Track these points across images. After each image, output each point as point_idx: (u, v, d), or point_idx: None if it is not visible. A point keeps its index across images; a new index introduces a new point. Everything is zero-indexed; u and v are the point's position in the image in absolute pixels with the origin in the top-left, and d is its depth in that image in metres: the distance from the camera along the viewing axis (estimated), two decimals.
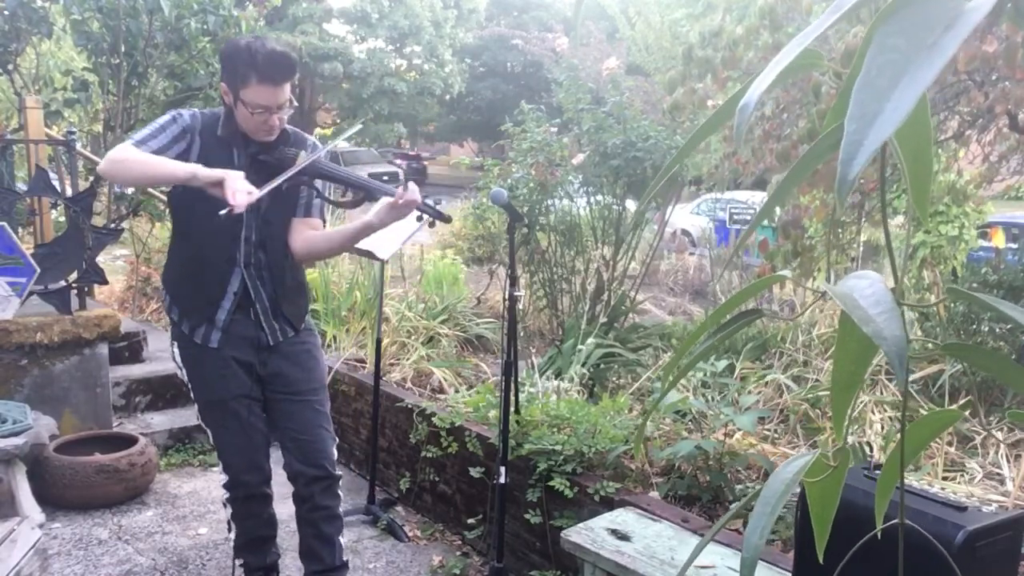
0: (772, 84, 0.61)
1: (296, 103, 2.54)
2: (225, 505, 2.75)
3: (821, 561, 0.87)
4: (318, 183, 2.57)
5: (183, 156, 2.43)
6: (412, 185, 2.44)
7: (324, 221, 2.72)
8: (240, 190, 2.20)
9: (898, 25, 0.52)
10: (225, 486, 2.71)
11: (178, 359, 2.63)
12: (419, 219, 2.62)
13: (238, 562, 2.81)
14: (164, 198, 5.75)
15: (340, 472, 2.77)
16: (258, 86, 2.35)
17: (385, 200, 2.46)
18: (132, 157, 2.31)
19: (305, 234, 2.60)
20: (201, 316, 2.55)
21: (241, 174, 2.27)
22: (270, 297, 2.58)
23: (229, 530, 2.79)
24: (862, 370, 0.73)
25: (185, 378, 2.64)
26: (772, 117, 3.43)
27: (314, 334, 2.79)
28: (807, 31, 0.61)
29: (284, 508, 2.86)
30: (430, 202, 2.57)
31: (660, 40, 8.06)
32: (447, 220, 2.63)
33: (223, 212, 2.17)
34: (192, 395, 2.66)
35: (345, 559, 2.80)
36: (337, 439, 2.79)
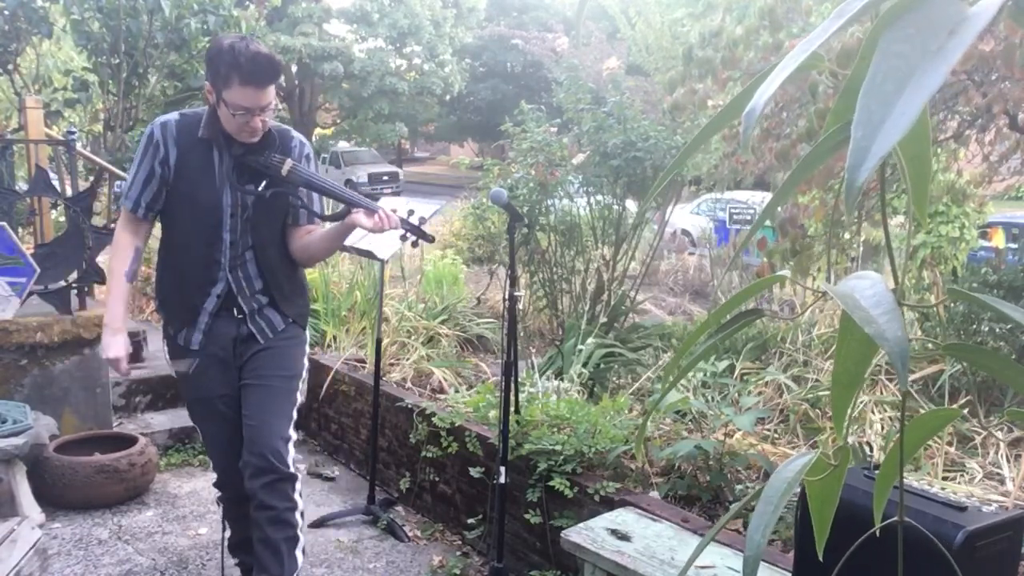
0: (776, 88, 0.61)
1: (281, 105, 2.55)
2: (218, 504, 2.78)
3: (821, 558, 0.87)
4: (303, 193, 2.59)
5: (162, 167, 2.45)
6: (387, 210, 2.48)
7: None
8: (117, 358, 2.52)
9: (903, 31, 0.52)
10: (215, 484, 2.74)
11: (167, 358, 2.67)
12: (403, 238, 2.68)
13: (233, 561, 2.82)
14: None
15: (293, 471, 2.51)
16: (240, 88, 2.32)
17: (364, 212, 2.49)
18: (111, 260, 2.56)
19: (303, 240, 2.62)
20: (183, 320, 2.56)
21: (118, 341, 2.50)
22: (259, 300, 2.57)
23: (224, 529, 2.80)
24: (863, 369, 0.73)
25: (175, 375, 2.69)
26: (771, 116, 3.43)
27: (302, 330, 2.69)
28: (811, 37, 0.61)
29: None
30: (414, 220, 2.60)
31: (660, 40, 8.04)
32: (430, 240, 2.66)
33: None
34: (181, 392, 2.68)
35: None
36: (294, 436, 2.56)
